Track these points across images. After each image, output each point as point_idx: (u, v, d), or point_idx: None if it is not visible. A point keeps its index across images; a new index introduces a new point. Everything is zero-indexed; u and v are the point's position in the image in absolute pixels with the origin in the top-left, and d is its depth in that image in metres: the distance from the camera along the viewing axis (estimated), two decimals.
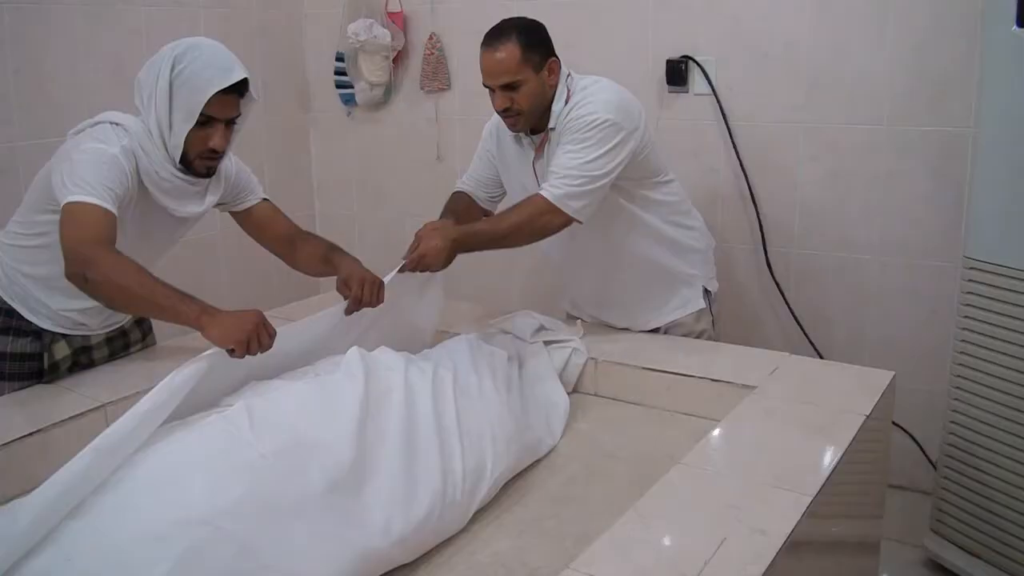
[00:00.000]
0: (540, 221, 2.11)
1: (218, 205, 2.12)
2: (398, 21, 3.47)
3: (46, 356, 2.06)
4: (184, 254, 3.34)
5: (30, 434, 1.80)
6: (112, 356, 2.21)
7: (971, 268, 2.27)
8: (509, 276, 3.25)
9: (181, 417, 1.62)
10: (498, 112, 2.18)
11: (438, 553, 1.61)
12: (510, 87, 2.11)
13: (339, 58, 3.63)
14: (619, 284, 2.37)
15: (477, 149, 2.45)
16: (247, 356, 1.69)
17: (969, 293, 2.27)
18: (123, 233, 1.86)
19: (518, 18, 2.17)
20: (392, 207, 3.79)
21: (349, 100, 3.68)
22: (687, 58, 2.93)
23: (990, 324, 2.22)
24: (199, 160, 1.90)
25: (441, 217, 2.33)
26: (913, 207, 2.75)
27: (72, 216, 1.77)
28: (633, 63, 3.03)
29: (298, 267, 2.25)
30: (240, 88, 1.88)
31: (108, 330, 2.18)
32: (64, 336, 2.09)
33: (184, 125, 1.85)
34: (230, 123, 1.91)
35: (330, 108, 3.80)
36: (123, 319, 2.21)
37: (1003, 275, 2.18)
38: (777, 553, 1.37)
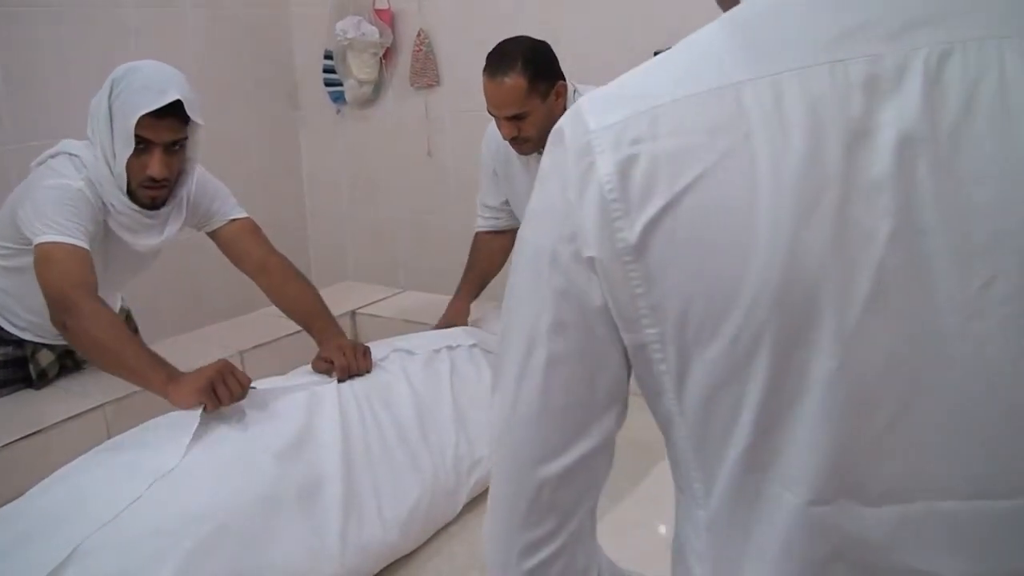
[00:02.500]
0: None
1: (192, 227, 2.06)
2: (386, 18, 3.48)
3: (32, 365, 2.04)
4: (184, 252, 3.36)
5: (30, 435, 1.82)
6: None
7: None
8: (506, 273, 3.23)
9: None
10: (505, 139, 2.13)
11: (440, 542, 1.65)
12: (516, 117, 2.06)
13: (327, 56, 3.63)
14: None
15: (481, 169, 2.42)
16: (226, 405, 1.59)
17: None
18: (95, 260, 1.83)
19: (522, 41, 2.09)
20: (383, 204, 3.81)
21: (338, 98, 3.69)
22: None
23: None
24: (141, 189, 1.81)
25: (464, 276, 2.40)
26: None
27: (48, 259, 1.72)
28: (621, 54, 3.04)
29: (272, 298, 2.11)
30: (179, 111, 1.76)
31: None
32: (46, 344, 2.07)
33: (124, 151, 1.76)
34: (171, 148, 1.79)
35: (319, 106, 3.80)
36: None
37: None
38: None
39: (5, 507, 1.44)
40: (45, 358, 2.07)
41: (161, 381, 1.63)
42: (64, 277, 1.71)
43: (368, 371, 1.84)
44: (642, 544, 1.40)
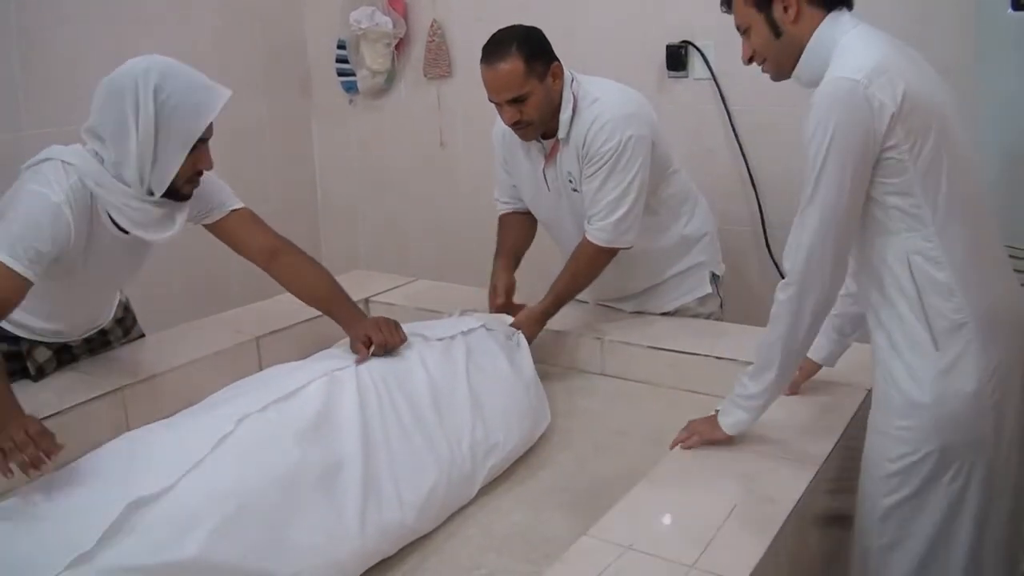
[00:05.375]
0: (597, 265, 2.25)
1: (190, 221, 2.02)
2: (399, 8, 3.49)
3: (29, 362, 2.03)
4: (187, 247, 3.38)
5: (48, 416, 1.83)
6: (92, 353, 2.17)
7: None
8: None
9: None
10: (507, 124, 2.18)
11: (456, 525, 1.67)
12: (517, 100, 2.10)
13: (340, 46, 3.65)
14: (628, 277, 2.40)
15: (495, 160, 2.46)
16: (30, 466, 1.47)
17: None
18: (86, 269, 1.86)
19: (515, 28, 2.15)
20: (395, 194, 3.83)
21: (351, 88, 3.71)
22: (687, 43, 2.96)
23: None
24: (187, 185, 1.84)
25: (497, 253, 2.40)
26: None
27: None
28: (633, 48, 3.06)
29: (287, 285, 2.09)
30: None
31: (88, 335, 2.16)
32: (42, 342, 2.06)
33: (179, 154, 1.77)
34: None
35: (332, 96, 3.82)
36: (103, 323, 2.19)
37: None
38: (786, 520, 1.42)
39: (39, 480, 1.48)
40: (42, 355, 2.06)
41: None
42: None
43: (404, 341, 1.88)
44: (657, 526, 1.43)
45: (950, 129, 1.51)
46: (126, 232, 1.88)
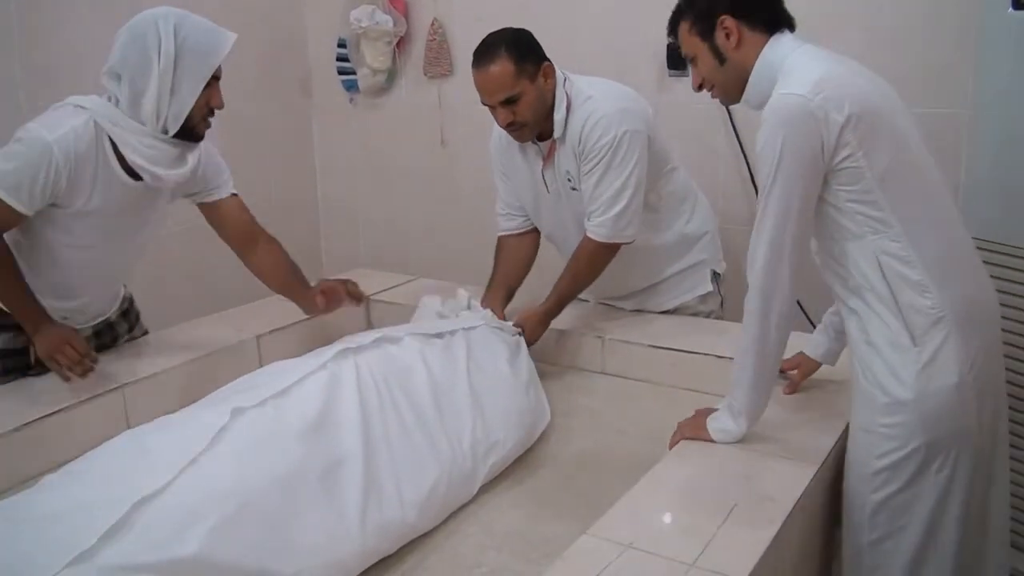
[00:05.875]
0: (598, 262, 2.25)
1: (189, 196, 2.15)
2: (400, 7, 3.49)
3: (32, 351, 2.04)
4: (187, 243, 3.38)
5: (50, 414, 1.85)
6: (100, 349, 2.18)
7: None
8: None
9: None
10: (502, 126, 2.19)
11: (456, 522, 1.67)
12: (509, 101, 2.11)
13: (341, 44, 3.65)
14: (629, 275, 2.40)
15: (493, 171, 2.46)
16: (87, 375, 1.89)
17: None
18: (94, 220, 1.94)
19: (503, 31, 2.16)
20: (395, 193, 3.83)
21: (351, 86, 3.71)
22: None
23: None
24: (202, 122, 1.96)
25: (489, 283, 2.39)
26: None
27: None
28: (633, 47, 3.06)
29: (254, 268, 2.25)
30: None
31: (95, 323, 2.18)
32: None
33: (196, 87, 1.90)
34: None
35: (333, 94, 3.82)
36: (109, 312, 2.21)
37: (999, 252, 2.22)
38: (786, 518, 1.42)
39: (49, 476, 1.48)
40: None
41: (32, 324, 1.92)
42: None
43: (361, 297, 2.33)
44: (657, 524, 1.43)
45: (904, 134, 1.57)
46: (136, 179, 1.94)
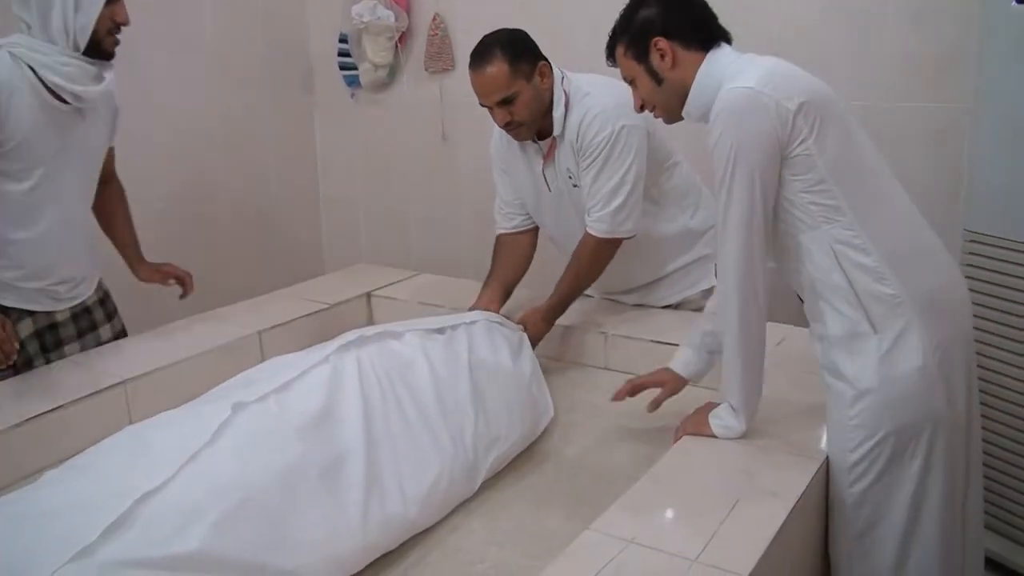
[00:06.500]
0: (600, 258, 2.25)
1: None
2: (401, 2, 3.48)
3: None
4: (188, 241, 3.38)
5: (52, 410, 1.85)
6: (80, 336, 2.25)
7: (971, 240, 2.31)
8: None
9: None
10: (500, 126, 2.20)
11: (458, 517, 1.67)
12: (506, 101, 2.13)
13: (343, 39, 3.64)
14: (633, 269, 2.39)
15: (493, 171, 2.46)
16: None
17: (969, 265, 2.31)
18: (36, 156, 2.02)
19: (498, 32, 2.18)
20: (397, 188, 3.82)
21: (353, 82, 3.70)
22: None
23: (991, 295, 2.26)
24: (109, 37, 2.04)
25: (487, 280, 2.38)
26: (913, 182, 2.75)
27: None
28: None
29: (97, 205, 2.34)
30: None
31: (72, 305, 2.22)
32: (30, 314, 2.13)
33: (96, 5, 1.98)
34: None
35: (334, 90, 3.81)
36: (85, 292, 2.26)
37: (1003, 247, 2.22)
38: (789, 514, 1.42)
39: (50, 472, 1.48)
40: (25, 329, 2.12)
41: None
42: None
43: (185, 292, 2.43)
44: (660, 520, 1.43)
45: (851, 129, 1.58)
46: (64, 103, 2.04)
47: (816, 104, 1.52)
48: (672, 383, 1.84)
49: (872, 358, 1.54)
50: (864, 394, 1.54)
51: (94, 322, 2.29)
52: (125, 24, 2.06)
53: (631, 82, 1.69)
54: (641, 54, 1.63)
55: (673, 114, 1.69)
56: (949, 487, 1.58)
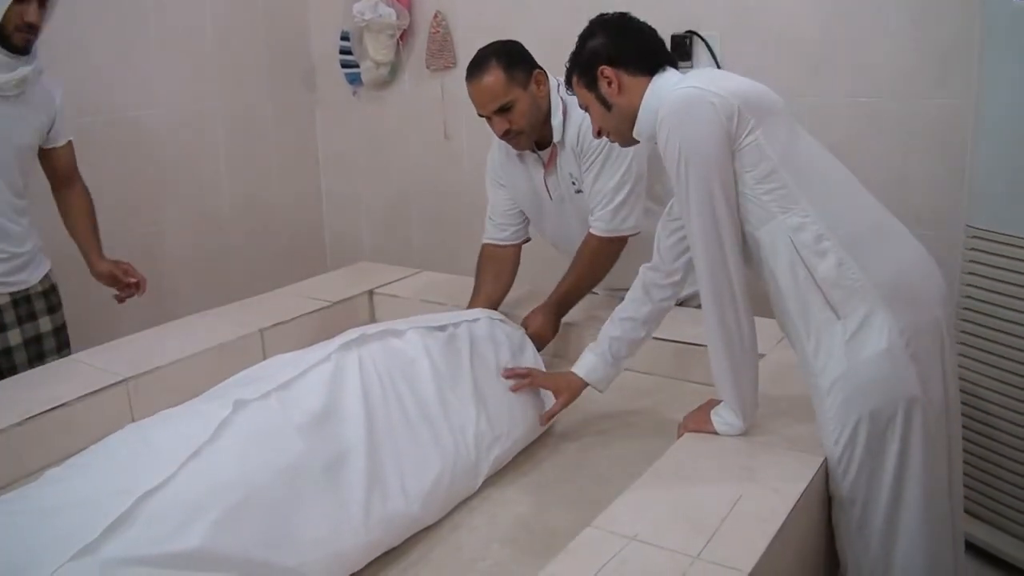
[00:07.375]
0: (602, 257, 2.24)
1: (43, 137, 2.33)
2: (403, 0, 3.49)
3: None
4: (189, 239, 3.39)
5: (54, 408, 1.85)
6: (20, 323, 2.31)
7: (973, 236, 2.31)
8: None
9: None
10: (499, 136, 2.20)
11: (460, 515, 1.67)
12: (504, 110, 2.13)
13: (344, 37, 3.64)
14: (636, 266, 2.39)
15: (487, 182, 2.43)
16: None
17: (971, 261, 2.31)
18: None
19: (492, 44, 2.19)
20: (398, 186, 3.82)
21: (354, 79, 3.70)
22: (692, 33, 2.95)
23: (992, 291, 2.26)
24: (17, 33, 2.12)
25: (472, 299, 2.34)
26: (915, 178, 2.78)
27: None
28: None
29: (63, 206, 2.47)
30: None
31: (12, 290, 2.29)
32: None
33: (3, 2, 2.06)
34: (43, 3, 2.15)
35: (335, 88, 3.81)
36: (27, 280, 2.33)
37: (1005, 243, 2.22)
38: (791, 510, 1.42)
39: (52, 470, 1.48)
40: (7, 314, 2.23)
41: None
42: None
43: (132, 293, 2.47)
44: (661, 517, 1.43)
45: (797, 129, 1.62)
46: None
47: (760, 102, 1.56)
48: (568, 394, 1.89)
49: (838, 344, 1.54)
50: (834, 384, 1.55)
51: (33, 312, 2.35)
52: (34, 22, 2.13)
53: (586, 109, 1.75)
54: (591, 82, 1.69)
55: (625, 137, 1.73)
56: (930, 474, 1.57)
